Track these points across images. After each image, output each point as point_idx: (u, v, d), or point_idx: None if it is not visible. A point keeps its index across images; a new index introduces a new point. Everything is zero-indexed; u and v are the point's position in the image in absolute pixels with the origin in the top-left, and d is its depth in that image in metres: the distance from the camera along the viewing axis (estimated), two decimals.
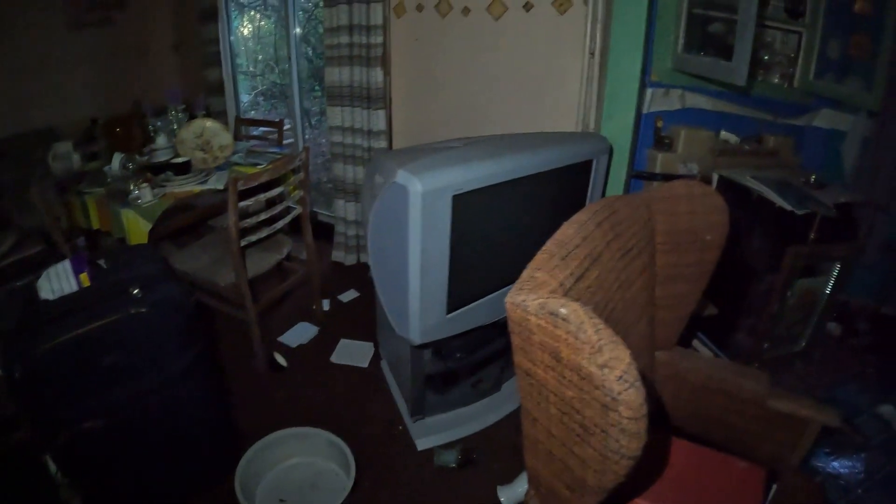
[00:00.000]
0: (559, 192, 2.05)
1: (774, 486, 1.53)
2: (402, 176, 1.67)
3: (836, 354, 3.25)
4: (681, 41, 2.70)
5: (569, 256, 1.16)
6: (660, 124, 2.80)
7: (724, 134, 3.00)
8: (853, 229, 2.99)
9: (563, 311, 0.91)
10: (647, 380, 1.67)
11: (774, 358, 2.95)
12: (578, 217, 1.28)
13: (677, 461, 1.49)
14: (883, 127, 3.27)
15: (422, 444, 2.30)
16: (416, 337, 1.93)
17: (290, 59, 4.16)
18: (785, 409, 1.64)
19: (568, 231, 1.21)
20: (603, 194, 2.42)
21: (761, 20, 2.80)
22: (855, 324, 3.48)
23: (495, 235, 1.97)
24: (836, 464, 2.40)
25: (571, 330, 0.90)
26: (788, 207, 2.56)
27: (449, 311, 1.91)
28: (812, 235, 2.67)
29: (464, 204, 1.75)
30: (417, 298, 1.81)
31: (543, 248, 1.16)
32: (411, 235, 1.70)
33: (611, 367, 0.86)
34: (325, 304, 3.22)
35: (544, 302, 0.95)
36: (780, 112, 3.27)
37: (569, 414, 0.99)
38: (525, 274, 1.08)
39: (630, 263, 1.46)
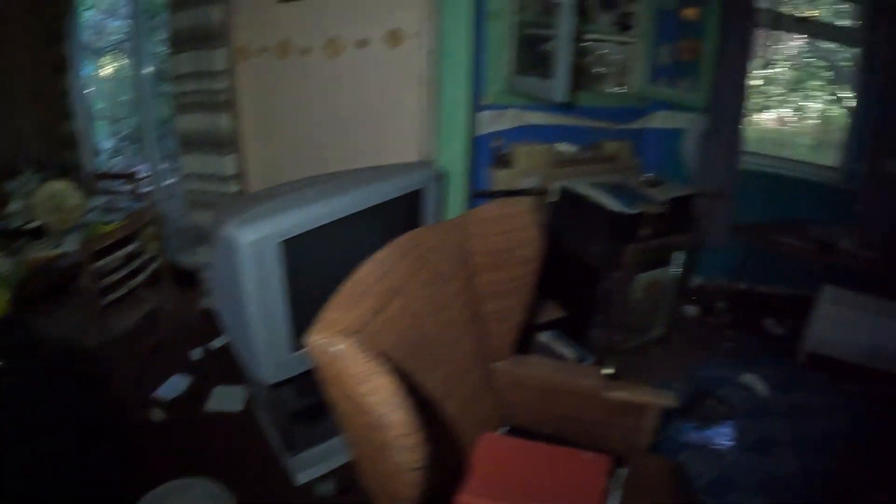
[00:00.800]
0: (391, 223, 2.11)
1: (624, 470, 1.65)
2: (228, 229, 1.73)
3: (696, 335, 3.53)
4: (512, 64, 2.88)
5: (365, 293, 1.27)
6: (499, 143, 2.97)
7: (561, 146, 3.19)
8: (690, 220, 3.21)
9: (336, 348, 1.03)
10: (488, 389, 1.80)
11: (634, 347, 3.17)
12: (378, 255, 1.38)
13: (516, 460, 1.59)
14: (714, 121, 3.59)
15: (301, 478, 2.34)
16: (269, 376, 1.98)
17: (140, 103, 4.10)
18: (621, 399, 1.78)
19: (364, 270, 1.32)
20: (443, 218, 2.54)
21: (580, 34, 3.01)
22: (711, 303, 3.79)
23: (334, 272, 1.96)
24: (704, 435, 2.60)
25: (346, 364, 1.02)
26: (619, 209, 2.77)
27: (296, 350, 1.97)
28: (647, 231, 2.88)
29: (294, 248, 1.83)
30: (261, 341, 1.87)
31: (341, 287, 1.26)
32: (244, 283, 1.76)
33: (374, 393, 0.97)
34: (197, 353, 3.20)
35: (328, 341, 1.06)
36: (618, 118, 3.53)
37: (366, 436, 1.10)
38: (321, 315, 1.18)
39: (443, 288, 1.59)
